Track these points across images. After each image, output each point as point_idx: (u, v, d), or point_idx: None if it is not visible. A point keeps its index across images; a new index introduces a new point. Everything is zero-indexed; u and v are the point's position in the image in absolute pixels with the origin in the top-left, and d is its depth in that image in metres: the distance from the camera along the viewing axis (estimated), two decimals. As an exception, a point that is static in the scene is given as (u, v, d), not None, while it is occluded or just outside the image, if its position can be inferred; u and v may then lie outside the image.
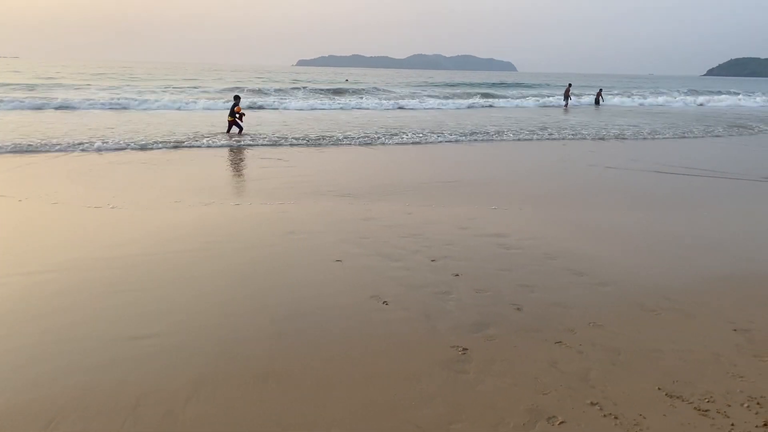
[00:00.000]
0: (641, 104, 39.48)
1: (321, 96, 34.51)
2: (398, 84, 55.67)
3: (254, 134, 16.75)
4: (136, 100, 26.17)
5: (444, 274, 5.64)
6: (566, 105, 35.59)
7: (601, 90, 40.56)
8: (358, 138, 16.59)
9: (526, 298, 5.09)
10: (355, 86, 45.70)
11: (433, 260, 6.05)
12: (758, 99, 44.49)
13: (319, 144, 15.50)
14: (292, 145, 15.24)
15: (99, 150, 13.31)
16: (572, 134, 18.84)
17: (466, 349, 4.08)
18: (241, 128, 16.91)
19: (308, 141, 15.83)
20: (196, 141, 15.07)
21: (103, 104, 24.62)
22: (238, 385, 3.60)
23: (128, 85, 38.74)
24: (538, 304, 4.94)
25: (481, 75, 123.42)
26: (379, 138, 16.71)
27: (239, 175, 11.30)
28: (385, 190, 9.65)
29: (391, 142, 16.19)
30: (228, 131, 16.76)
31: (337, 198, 8.89)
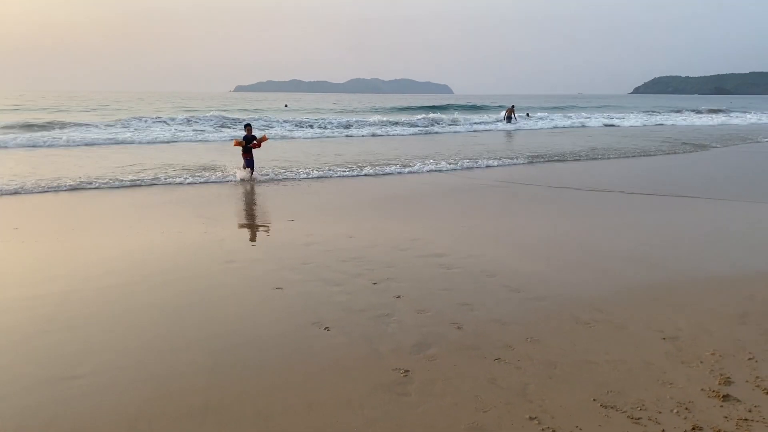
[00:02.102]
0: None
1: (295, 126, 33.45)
2: (344, 110, 55.91)
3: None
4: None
5: (385, 297, 5.66)
6: (510, 122, 36.97)
7: (513, 107, 41.83)
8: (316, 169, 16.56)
9: (466, 316, 5.16)
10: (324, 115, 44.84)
11: (374, 283, 6.07)
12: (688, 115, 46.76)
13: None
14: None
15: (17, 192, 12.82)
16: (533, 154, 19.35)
17: (408, 371, 4.10)
18: (253, 166, 13.95)
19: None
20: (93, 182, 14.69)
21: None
22: (175, 422, 3.50)
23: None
24: (478, 322, 5.02)
25: (422, 98, 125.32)
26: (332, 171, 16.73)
27: (175, 203, 11.06)
28: (326, 214, 9.64)
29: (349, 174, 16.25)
30: (246, 168, 13.84)
31: (279, 223, 8.81)
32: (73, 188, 11.89)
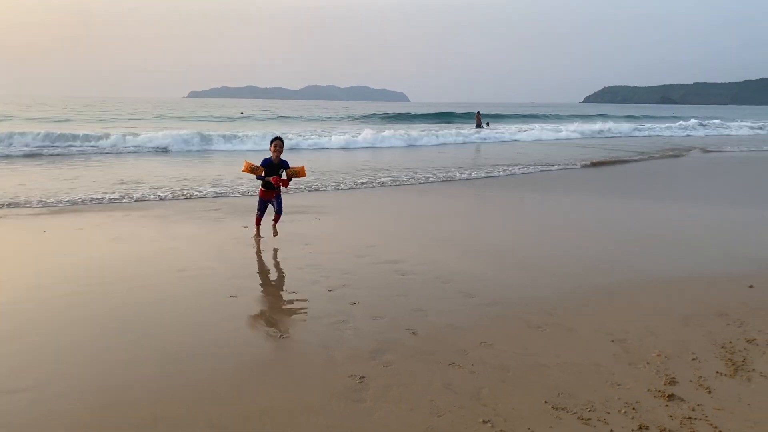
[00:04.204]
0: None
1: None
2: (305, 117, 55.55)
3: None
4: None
5: (341, 304, 5.66)
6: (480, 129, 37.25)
7: (479, 113, 42.31)
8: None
9: (421, 322, 5.21)
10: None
11: (330, 290, 6.06)
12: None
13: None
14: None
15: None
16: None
17: (364, 377, 4.11)
18: (280, 211, 8.32)
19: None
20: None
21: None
22: (125, 434, 3.42)
23: None
24: (433, 328, 5.07)
25: (376, 105, 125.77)
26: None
27: (121, 213, 10.82)
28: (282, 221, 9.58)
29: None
30: (259, 223, 8.37)
31: (234, 230, 8.71)
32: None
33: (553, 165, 18.99)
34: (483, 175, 16.23)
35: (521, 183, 15.16)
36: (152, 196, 11.60)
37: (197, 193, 12.09)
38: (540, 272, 6.79)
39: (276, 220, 8.33)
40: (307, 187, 13.21)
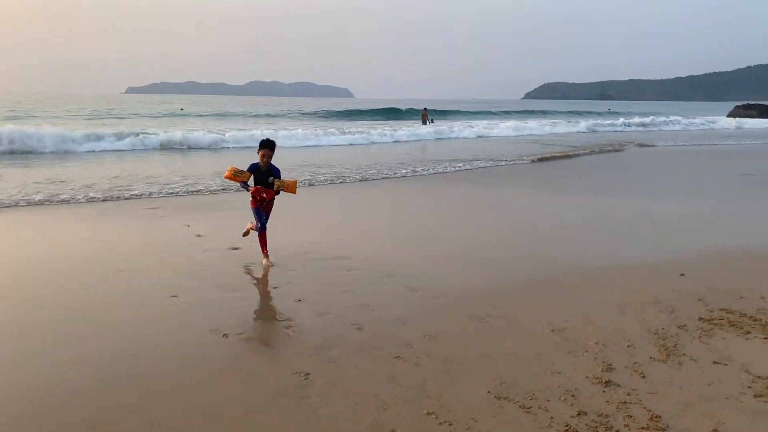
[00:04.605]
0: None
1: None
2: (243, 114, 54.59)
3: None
4: None
5: (286, 301, 5.62)
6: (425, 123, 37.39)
7: (425, 109, 42.64)
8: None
9: (367, 316, 5.22)
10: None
11: (275, 287, 6.01)
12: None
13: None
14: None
15: None
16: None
17: (309, 374, 4.09)
18: (265, 222, 7.03)
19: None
20: None
21: None
22: (61, 441, 3.30)
23: None
24: (378, 322, 5.09)
25: (321, 102, 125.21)
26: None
27: (58, 212, 10.42)
28: (225, 219, 9.43)
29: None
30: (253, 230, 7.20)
31: (174, 228, 8.51)
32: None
33: (500, 160, 19.34)
34: (428, 170, 16.37)
35: (466, 178, 15.37)
36: (81, 197, 11.16)
37: (129, 192, 11.71)
38: (484, 265, 6.91)
39: (262, 241, 6.94)
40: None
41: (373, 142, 27.19)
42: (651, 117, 53.76)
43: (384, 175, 15.22)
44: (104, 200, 10.84)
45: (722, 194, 13.33)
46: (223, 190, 12.15)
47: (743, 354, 4.51)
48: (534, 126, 40.05)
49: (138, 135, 22.71)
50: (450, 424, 3.44)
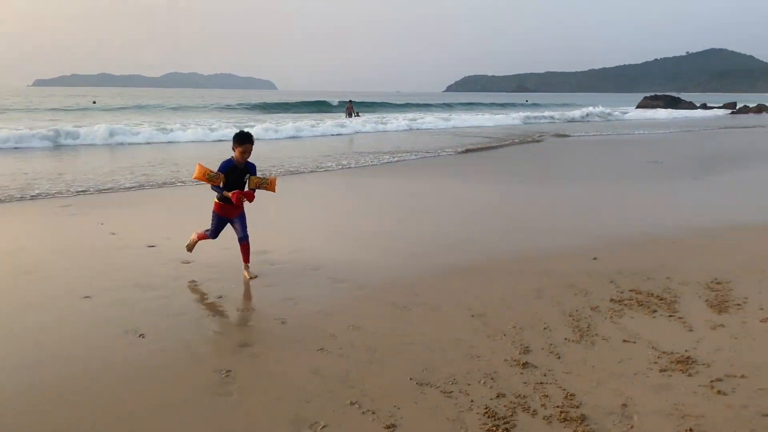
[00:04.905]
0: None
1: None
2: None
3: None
4: None
5: (207, 298, 5.49)
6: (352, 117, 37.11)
7: (350, 102, 42.65)
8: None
9: (291, 310, 5.18)
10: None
11: (195, 284, 5.86)
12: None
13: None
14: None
15: None
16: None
17: (230, 371, 4.01)
18: (246, 236, 6.19)
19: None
20: None
21: None
22: (-39, 454, 3.11)
23: None
24: (302, 315, 5.06)
25: (243, 93, 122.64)
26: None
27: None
28: (142, 215, 9.10)
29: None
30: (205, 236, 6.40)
31: (87, 227, 8.14)
32: None
33: (427, 152, 19.56)
34: (355, 163, 16.37)
35: (393, 170, 15.48)
36: (-8, 194, 10.51)
37: (37, 190, 11.12)
38: (408, 255, 6.98)
39: (245, 252, 6.11)
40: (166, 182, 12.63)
41: (298, 136, 26.79)
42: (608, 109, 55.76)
43: (309, 169, 15.11)
44: (10, 201, 10.22)
45: (632, 182, 14.00)
46: (137, 187, 11.73)
47: (650, 332, 4.76)
48: (461, 118, 40.72)
49: (48, 129, 21.46)
50: (373, 413, 3.47)
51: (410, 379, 3.91)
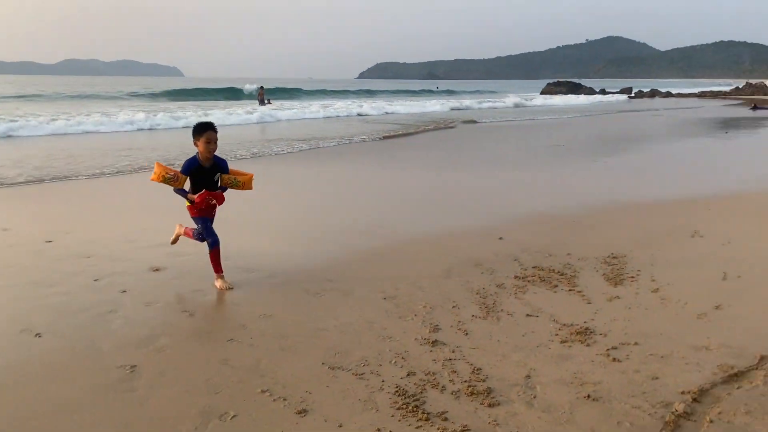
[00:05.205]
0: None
1: None
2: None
3: None
4: None
5: (109, 293, 5.25)
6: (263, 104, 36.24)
7: (262, 88, 41.88)
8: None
9: (199, 302, 5.05)
10: None
11: (96, 280, 5.59)
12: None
13: None
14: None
15: None
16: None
17: (135, 366, 3.87)
18: (215, 240, 5.50)
19: None
20: None
21: None
22: None
23: None
24: (211, 307, 4.96)
25: (147, 80, 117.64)
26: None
27: None
28: (33, 209, 8.58)
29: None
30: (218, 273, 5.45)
31: (-27, 225, 7.59)
32: None
33: (343, 139, 19.52)
34: (266, 151, 16.11)
35: (307, 158, 15.34)
36: None
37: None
38: (320, 241, 6.96)
39: (215, 259, 5.37)
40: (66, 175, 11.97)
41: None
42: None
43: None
44: None
45: (535, 165, 14.58)
46: (34, 181, 11.05)
47: (552, 306, 4.99)
48: (375, 105, 40.76)
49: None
50: (284, 400, 3.45)
51: (322, 364, 3.91)
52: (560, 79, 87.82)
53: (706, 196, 9.70)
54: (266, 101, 39.36)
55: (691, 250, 6.62)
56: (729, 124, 28.00)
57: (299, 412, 3.32)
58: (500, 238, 7.06)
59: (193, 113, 28.18)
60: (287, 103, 40.01)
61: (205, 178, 5.25)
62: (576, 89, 75.99)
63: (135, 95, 51.54)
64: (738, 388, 3.57)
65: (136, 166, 12.99)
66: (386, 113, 36.47)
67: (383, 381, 3.69)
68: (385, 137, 21.00)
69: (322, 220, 8.13)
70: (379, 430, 3.14)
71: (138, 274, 5.74)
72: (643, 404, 3.38)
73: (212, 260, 5.39)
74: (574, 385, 3.64)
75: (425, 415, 3.26)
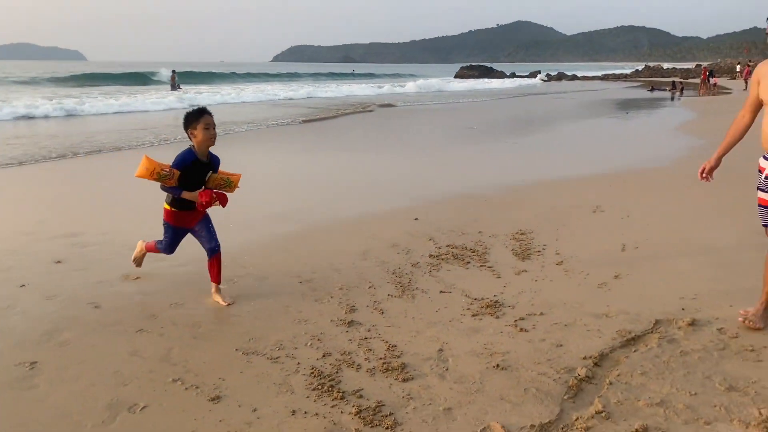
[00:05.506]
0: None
1: None
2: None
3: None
4: None
5: (6, 288, 4.96)
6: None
7: (174, 72, 40.50)
8: None
9: (106, 293, 4.85)
10: None
11: (-9, 275, 5.26)
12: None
13: None
14: None
15: None
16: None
17: (35, 362, 3.68)
18: (215, 246, 4.70)
19: None
20: None
21: None
22: None
23: None
24: (119, 298, 4.76)
25: (47, 65, 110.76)
26: None
27: None
28: None
29: None
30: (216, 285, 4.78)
31: None
32: None
33: (261, 124, 19.13)
34: (178, 137, 15.56)
35: (219, 143, 14.92)
36: None
37: None
38: (232, 228, 6.79)
39: (215, 268, 4.67)
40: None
41: (109, 112, 24.48)
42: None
43: (125, 146, 14.12)
44: None
45: (449, 146, 14.88)
46: None
47: (464, 281, 5.13)
48: (293, 89, 40.18)
49: None
50: (197, 388, 3.38)
51: (236, 350, 3.86)
52: (473, 63, 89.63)
53: (607, 173, 10.22)
54: (177, 87, 37.96)
55: (593, 224, 6.97)
56: (629, 105, 29.56)
57: (212, 399, 3.26)
58: (416, 219, 7.17)
59: (96, 100, 26.81)
60: (199, 88, 38.77)
61: (198, 175, 4.49)
62: (488, 73, 77.90)
63: (33, 81, 48.33)
64: (635, 351, 3.80)
65: (45, 154, 12.25)
66: (308, 97, 36.11)
67: (299, 363, 3.68)
68: (304, 121, 20.78)
69: (235, 206, 7.94)
70: (294, 411, 3.14)
71: (38, 267, 5.44)
72: (549, 370, 3.55)
73: (150, 248, 4.90)
74: (484, 355, 3.76)
75: (340, 394, 3.29)
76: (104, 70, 63.56)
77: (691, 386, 3.31)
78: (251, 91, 36.81)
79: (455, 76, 75.29)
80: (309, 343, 3.96)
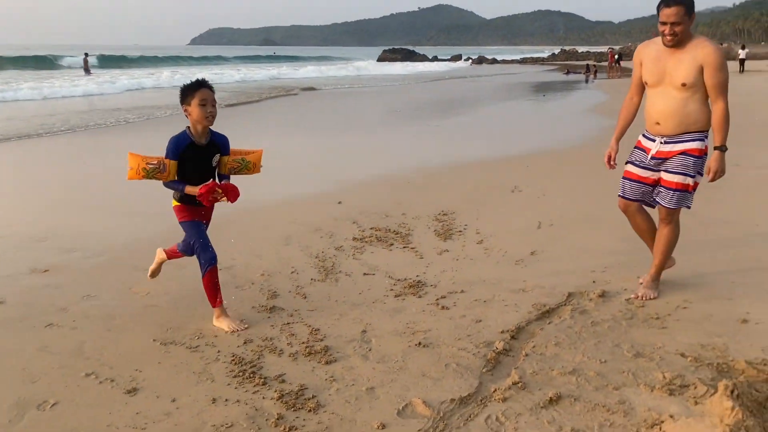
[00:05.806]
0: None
1: None
2: None
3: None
4: None
5: None
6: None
7: (86, 54, 38.64)
8: None
9: (11, 288, 4.61)
10: None
11: None
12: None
13: None
14: None
15: None
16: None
17: (-68, 365, 3.46)
18: (207, 252, 3.96)
19: None
20: None
21: None
22: None
23: None
24: (26, 292, 4.53)
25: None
26: None
27: None
28: None
29: None
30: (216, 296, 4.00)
31: None
32: None
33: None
34: (91, 123, 14.85)
35: (133, 129, 14.39)
36: None
37: None
38: (149, 217, 6.60)
39: (211, 285, 3.94)
40: None
41: (14, 99, 22.95)
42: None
43: (31, 132, 13.35)
44: None
45: (373, 129, 14.90)
46: None
47: (387, 263, 5.17)
48: (213, 72, 39.05)
49: None
50: (112, 381, 3.27)
51: (153, 340, 3.75)
52: (395, 47, 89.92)
53: (525, 154, 10.53)
54: (89, 71, 36.19)
55: (511, 203, 7.17)
56: (546, 88, 30.50)
57: (129, 392, 3.16)
58: (339, 203, 7.16)
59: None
60: (113, 72, 37.09)
61: (200, 161, 3.85)
62: (411, 56, 78.38)
63: None
64: (549, 323, 3.95)
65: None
66: (232, 82, 35.13)
67: (219, 351, 3.62)
68: (227, 105, 20.26)
69: (151, 194, 7.69)
70: (214, 399, 3.09)
71: (-66, 264, 5.09)
72: (468, 345, 3.64)
73: (207, 286, 3.91)
74: (407, 334, 3.82)
75: (262, 380, 3.26)
76: (6, 53, 59.45)
77: (602, 354, 3.48)
78: (167, 75, 35.49)
79: (378, 60, 75.36)
80: (230, 331, 3.89)
